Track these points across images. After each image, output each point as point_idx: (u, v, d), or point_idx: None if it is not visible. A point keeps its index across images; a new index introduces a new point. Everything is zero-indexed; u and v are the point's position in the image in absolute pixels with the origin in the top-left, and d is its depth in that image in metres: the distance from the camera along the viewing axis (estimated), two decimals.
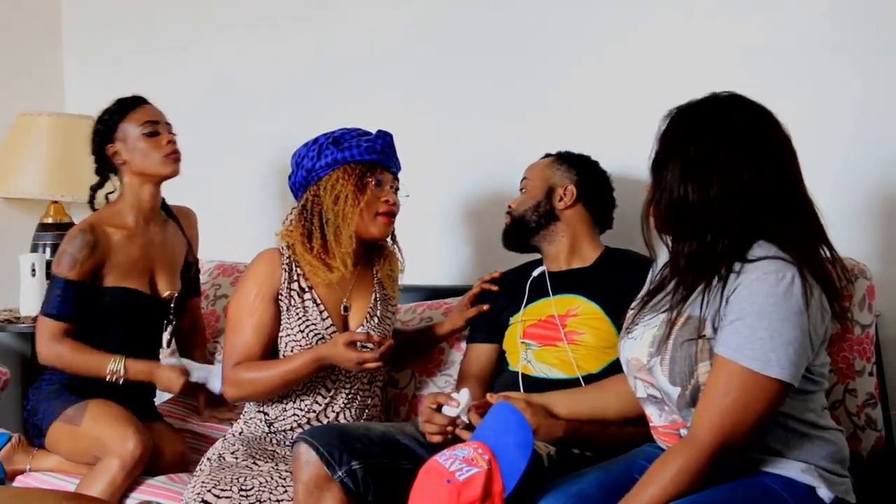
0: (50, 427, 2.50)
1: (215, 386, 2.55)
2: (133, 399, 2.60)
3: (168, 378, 2.53)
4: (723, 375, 1.65)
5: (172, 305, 2.69)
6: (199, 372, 2.59)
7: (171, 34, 3.55)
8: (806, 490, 1.71)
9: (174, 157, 2.60)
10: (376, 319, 2.41)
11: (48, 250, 3.36)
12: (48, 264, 3.19)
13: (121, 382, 2.51)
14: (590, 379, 2.21)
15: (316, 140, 2.38)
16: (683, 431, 1.78)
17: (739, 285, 1.67)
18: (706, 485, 1.67)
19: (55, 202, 3.45)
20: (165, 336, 2.71)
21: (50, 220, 3.45)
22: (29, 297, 3.20)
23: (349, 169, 2.33)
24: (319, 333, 2.34)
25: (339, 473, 1.95)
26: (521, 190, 2.47)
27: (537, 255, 2.48)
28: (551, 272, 2.41)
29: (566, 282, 2.37)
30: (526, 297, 2.39)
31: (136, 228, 2.62)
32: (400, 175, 2.44)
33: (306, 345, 2.33)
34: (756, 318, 1.63)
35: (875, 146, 2.49)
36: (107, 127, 2.61)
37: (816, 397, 1.77)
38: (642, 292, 1.95)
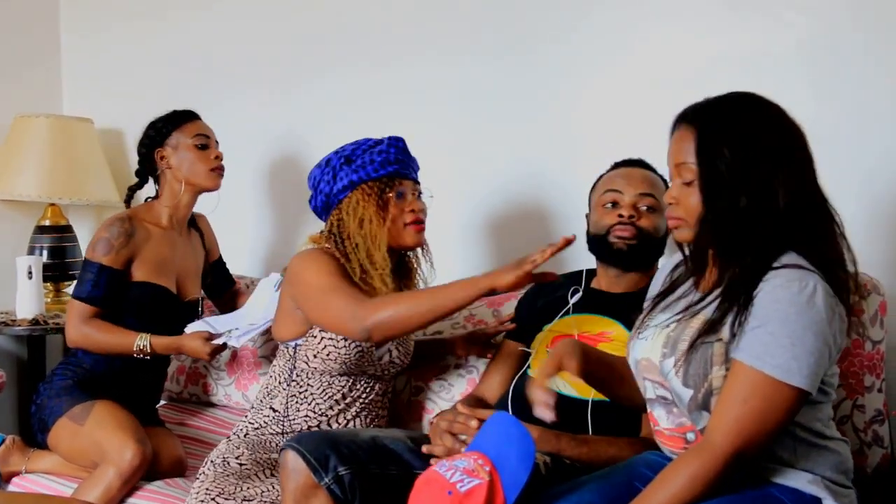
0: (55, 423, 2.51)
1: (236, 341, 2.51)
2: (139, 403, 2.63)
3: (193, 347, 2.54)
4: (743, 382, 1.63)
5: (200, 310, 2.77)
6: (223, 325, 2.58)
7: (171, 38, 3.53)
8: (813, 502, 1.70)
9: (219, 171, 2.72)
10: None
11: (45, 253, 3.37)
12: (60, 258, 3.36)
13: (148, 358, 2.55)
14: (600, 406, 2.11)
15: (328, 161, 2.33)
16: (690, 436, 1.76)
17: (761, 291, 1.65)
18: (715, 494, 1.65)
19: (52, 205, 3.45)
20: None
21: (47, 223, 3.44)
22: (25, 300, 3.18)
23: (367, 189, 2.29)
24: None
25: (326, 480, 1.93)
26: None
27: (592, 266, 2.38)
28: (602, 291, 2.31)
29: (611, 305, 2.25)
30: (567, 308, 2.30)
31: (169, 230, 2.71)
32: (421, 177, 2.40)
33: (342, 348, 2.27)
34: (779, 326, 1.61)
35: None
36: (159, 133, 2.71)
37: (824, 407, 1.75)
38: (653, 292, 1.93)
